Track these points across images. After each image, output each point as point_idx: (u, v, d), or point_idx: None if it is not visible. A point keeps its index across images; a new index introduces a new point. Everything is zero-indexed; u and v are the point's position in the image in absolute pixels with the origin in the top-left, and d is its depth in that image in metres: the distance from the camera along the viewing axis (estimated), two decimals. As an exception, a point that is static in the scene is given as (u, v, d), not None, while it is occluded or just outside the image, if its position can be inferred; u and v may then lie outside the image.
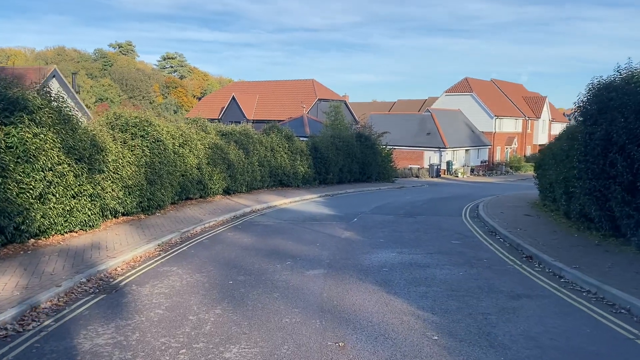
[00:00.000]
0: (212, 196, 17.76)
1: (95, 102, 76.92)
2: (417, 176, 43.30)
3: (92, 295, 7.29)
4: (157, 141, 14.15)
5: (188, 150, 16.27)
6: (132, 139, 13.57)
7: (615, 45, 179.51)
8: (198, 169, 16.65)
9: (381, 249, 10.67)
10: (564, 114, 67.90)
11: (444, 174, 46.00)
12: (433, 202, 20.51)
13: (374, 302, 7.05)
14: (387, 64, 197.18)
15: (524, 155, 59.26)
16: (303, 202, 19.37)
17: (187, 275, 8.41)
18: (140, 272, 8.60)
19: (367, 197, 22.31)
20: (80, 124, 11.63)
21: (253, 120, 51.11)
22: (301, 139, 25.57)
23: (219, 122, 36.53)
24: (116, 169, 12.43)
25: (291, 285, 7.88)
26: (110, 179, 12.12)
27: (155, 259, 9.58)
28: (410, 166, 45.66)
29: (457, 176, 46.40)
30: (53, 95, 10.88)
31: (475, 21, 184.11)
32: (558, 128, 71.09)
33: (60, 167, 10.14)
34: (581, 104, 11.37)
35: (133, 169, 13.02)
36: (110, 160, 12.16)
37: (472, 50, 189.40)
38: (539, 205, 17.53)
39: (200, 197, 17.23)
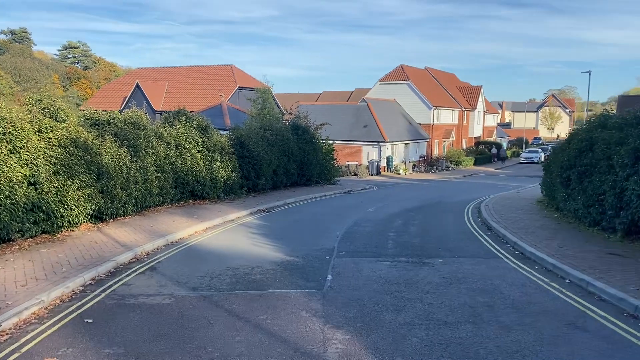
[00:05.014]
0: (68, 228, 10.31)
1: (-21, 95, 63.79)
2: (355, 174, 37.45)
3: None
4: None
5: (7, 152, 8.78)
6: None
7: (521, 43, 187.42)
8: (32, 184, 9.19)
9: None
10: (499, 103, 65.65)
11: (384, 170, 40.60)
12: (411, 218, 14.35)
13: None
14: (306, 58, 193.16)
15: (462, 149, 55.63)
16: (227, 227, 12.42)
17: None
18: None
19: (318, 211, 15.74)
20: None
21: (162, 111, 42.88)
22: (220, 132, 18.49)
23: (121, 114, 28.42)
24: None
25: None
26: None
27: None
28: (348, 163, 39.64)
29: (399, 173, 41.20)
30: None
31: (388, 17, 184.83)
32: (491, 120, 68.99)
33: None
34: None
35: None
36: None
37: (386, 46, 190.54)
38: (572, 222, 11.99)
39: (44, 232, 9.76)
